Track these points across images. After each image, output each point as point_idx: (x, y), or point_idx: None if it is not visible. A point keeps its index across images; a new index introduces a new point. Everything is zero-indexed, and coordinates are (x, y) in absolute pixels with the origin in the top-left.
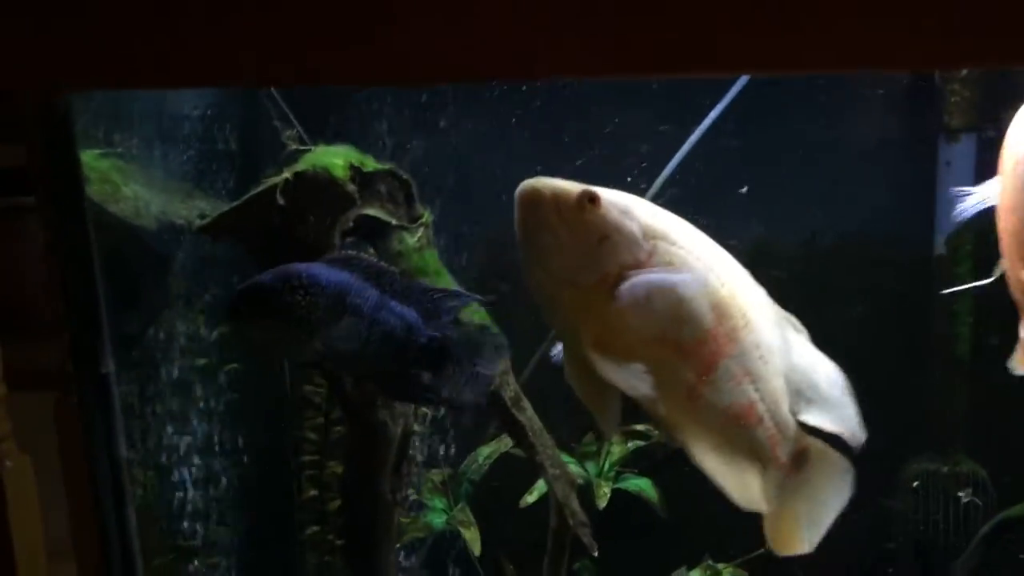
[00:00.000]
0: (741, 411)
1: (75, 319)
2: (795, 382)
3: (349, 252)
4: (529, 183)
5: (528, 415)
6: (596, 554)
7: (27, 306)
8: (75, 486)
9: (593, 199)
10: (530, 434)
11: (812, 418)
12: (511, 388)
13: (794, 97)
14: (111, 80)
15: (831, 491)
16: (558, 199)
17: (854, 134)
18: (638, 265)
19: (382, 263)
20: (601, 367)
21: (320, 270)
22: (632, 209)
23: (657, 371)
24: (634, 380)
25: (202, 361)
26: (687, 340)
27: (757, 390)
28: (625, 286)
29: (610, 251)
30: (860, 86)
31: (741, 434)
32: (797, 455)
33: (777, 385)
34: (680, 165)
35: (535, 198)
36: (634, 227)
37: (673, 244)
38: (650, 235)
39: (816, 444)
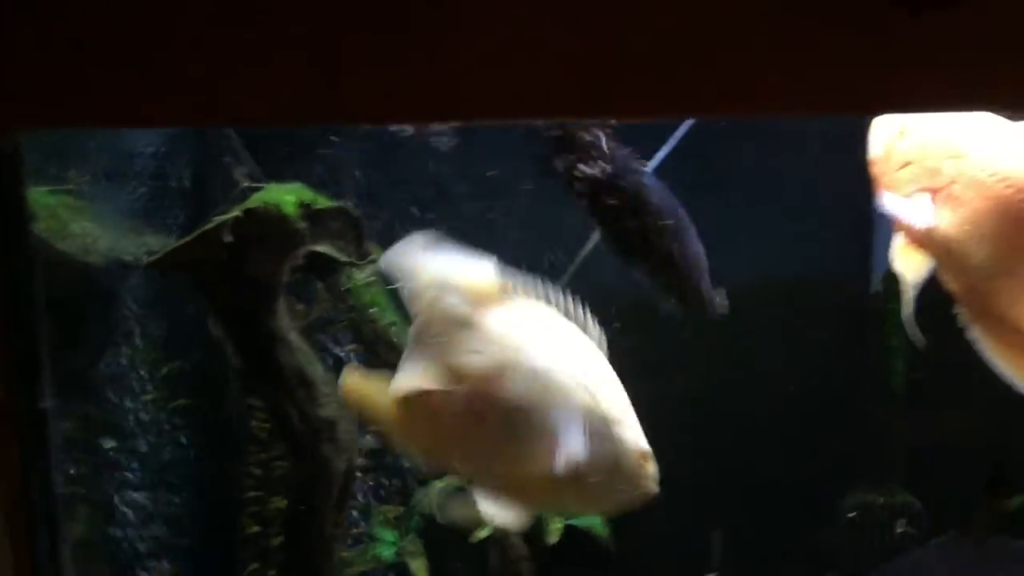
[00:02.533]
0: None
1: (14, 353)
2: None
3: None
4: None
5: None
6: None
7: None
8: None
9: None
10: None
11: None
12: None
13: (736, 135)
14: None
15: None
16: None
17: (797, 173)
18: None
19: None
20: None
21: None
22: None
23: None
24: None
25: (150, 396)
26: None
27: None
28: None
29: None
30: (801, 124)
31: None
32: None
33: None
34: None
35: None
36: None
37: None
38: None
39: None
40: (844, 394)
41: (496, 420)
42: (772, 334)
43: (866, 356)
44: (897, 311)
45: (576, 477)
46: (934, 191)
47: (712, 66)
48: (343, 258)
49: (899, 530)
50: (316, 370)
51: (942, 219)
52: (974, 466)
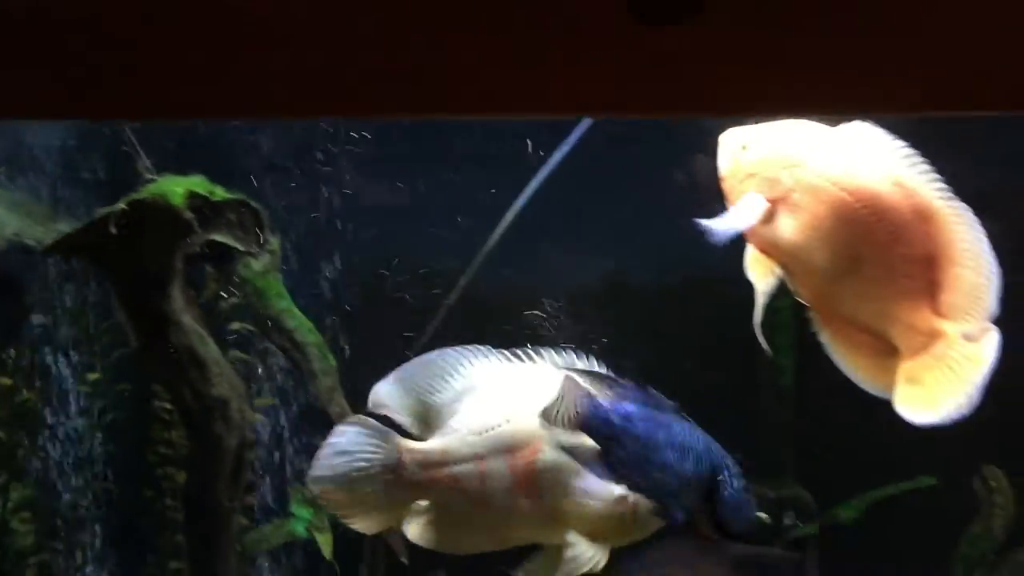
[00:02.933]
0: None
1: None
2: None
3: None
4: None
5: None
6: (405, 560)
7: None
8: None
9: None
10: None
11: None
12: (338, 405)
13: (634, 136)
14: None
15: None
16: None
17: (695, 176)
18: None
19: None
20: None
21: None
22: None
23: None
24: None
25: (94, 376)
26: None
27: None
28: None
29: None
30: (702, 128)
31: None
32: None
33: None
34: (532, 206)
35: None
36: None
37: None
38: None
39: None
40: (734, 389)
41: (541, 487)
42: (664, 330)
43: (757, 352)
44: (783, 308)
45: (632, 509)
46: (775, 201)
47: (456, 73)
48: (240, 247)
49: (787, 522)
50: (209, 351)
51: (785, 227)
52: (864, 459)
